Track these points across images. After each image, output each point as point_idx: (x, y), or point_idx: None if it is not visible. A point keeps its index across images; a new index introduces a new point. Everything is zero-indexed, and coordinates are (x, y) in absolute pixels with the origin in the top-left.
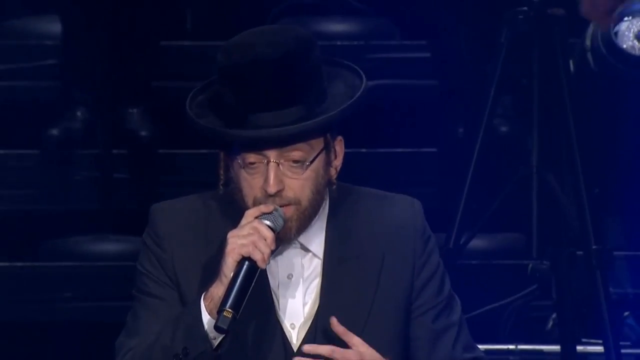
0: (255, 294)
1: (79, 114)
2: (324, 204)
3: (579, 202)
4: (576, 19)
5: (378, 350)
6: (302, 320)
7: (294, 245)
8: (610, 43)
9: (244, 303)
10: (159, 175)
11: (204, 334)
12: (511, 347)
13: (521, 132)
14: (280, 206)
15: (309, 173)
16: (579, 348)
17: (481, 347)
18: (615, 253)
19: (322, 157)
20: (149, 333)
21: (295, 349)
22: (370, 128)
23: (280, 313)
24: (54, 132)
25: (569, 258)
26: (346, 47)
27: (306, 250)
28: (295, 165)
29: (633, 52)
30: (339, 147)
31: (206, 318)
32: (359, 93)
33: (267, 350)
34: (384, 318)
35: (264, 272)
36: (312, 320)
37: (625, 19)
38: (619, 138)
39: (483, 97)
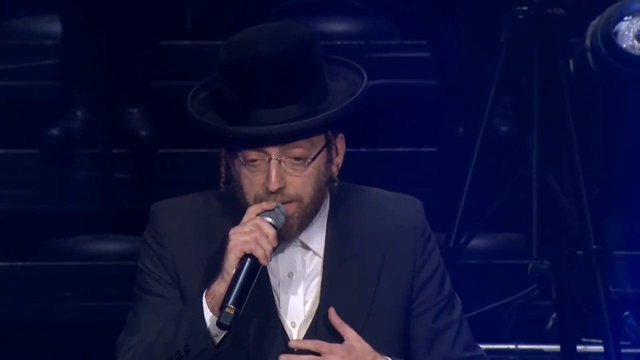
0: (256, 293)
1: (79, 113)
2: (324, 202)
3: (579, 202)
4: (576, 19)
5: (378, 348)
6: (302, 318)
7: (294, 243)
8: (610, 43)
9: (246, 300)
10: (159, 175)
11: (206, 331)
12: (511, 346)
13: (521, 132)
14: (282, 203)
15: (310, 170)
16: (579, 348)
17: (481, 346)
18: (615, 253)
19: (323, 154)
20: (150, 331)
21: (295, 349)
22: (370, 128)
23: (281, 311)
24: (54, 131)
25: (569, 258)
26: (346, 46)
27: (307, 248)
28: (296, 162)
29: (633, 52)
30: (340, 144)
31: (208, 315)
32: (360, 90)
33: (268, 349)
34: (384, 317)
35: (264, 271)
36: (313, 319)
37: (625, 18)
38: (619, 138)
39: (483, 97)
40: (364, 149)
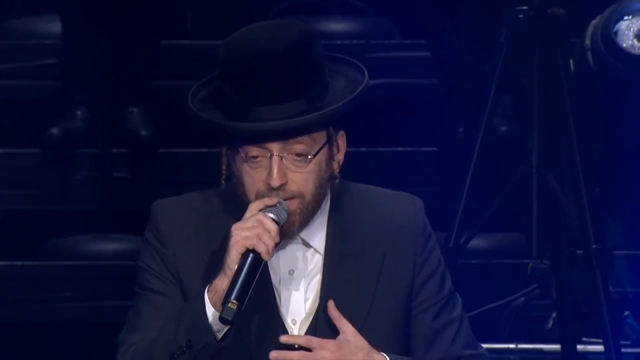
0: (258, 290)
1: (79, 113)
2: (325, 200)
3: (579, 202)
4: (576, 19)
5: (377, 346)
6: (303, 315)
7: (295, 241)
8: (610, 42)
9: (249, 295)
10: (159, 175)
11: (208, 327)
12: (511, 346)
13: (521, 132)
14: (284, 200)
15: (312, 166)
16: (579, 347)
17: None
18: (615, 252)
19: (324, 150)
20: (152, 328)
21: (296, 345)
22: (370, 127)
23: (282, 309)
24: (54, 131)
25: (569, 257)
26: (346, 46)
27: (307, 246)
28: (298, 158)
29: (633, 52)
30: (341, 141)
31: (210, 311)
32: (360, 87)
33: (269, 346)
34: (384, 315)
35: (266, 268)
36: (314, 316)
37: (625, 18)
38: (619, 138)
39: (483, 97)
40: (364, 149)
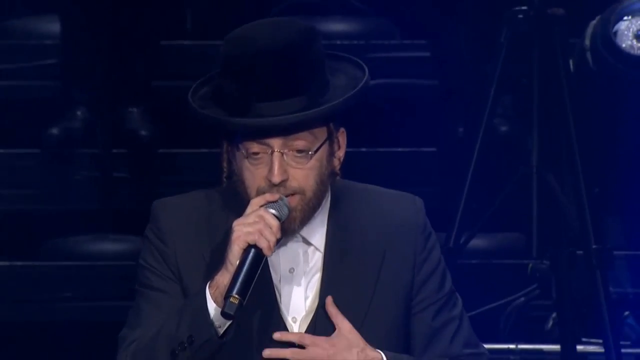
0: (258, 288)
1: (79, 113)
2: (326, 197)
3: (579, 202)
4: (576, 19)
5: (376, 344)
6: (303, 313)
7: (295, 239)
8: (609, 42)
9: (250, 290)
10: (159, 175)
11: (210, 322)
12: (511, 346)
13: (521, 132)
14: (285, 196)
15: (313, 163)
16: (579, 347)
17: None
18: (615, 253)
19: (325, 147)
20: (152, 325)
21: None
22: (370, 127)
23: (283, 307)
24: (54, 131)
25: (569, 258)
26: (346, 46)
27: (308, 243)
28: (299, 155)
29: (632, 52)
30: (342, 138)
31: (212, 306)
32: (361, 84)
33: (269, 344)
34: (383, 313)
35: (266, 266)
36: (314, 314)
37: (625, 18)
38: (619, 138)
39: (483, 97)
40: (364, 149)
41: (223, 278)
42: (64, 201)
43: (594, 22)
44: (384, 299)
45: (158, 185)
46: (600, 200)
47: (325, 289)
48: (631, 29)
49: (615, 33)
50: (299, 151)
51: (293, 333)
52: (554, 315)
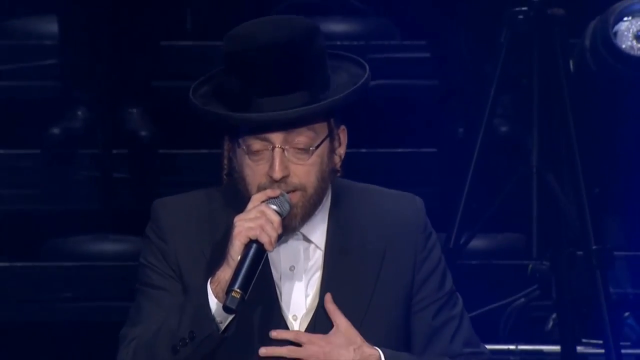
0: (259, 286)
1: (79, 114)
2: (327, 195)
3: (579, 202)
4: (576, 20)
5: (376, 342)
6: (304, 311)
7: (296, 237)
8: (609, 43)
9: (252, 285)
10: (159, 175)
11: (211, 317)
12: (511, 347)
13: (521, 132)
14: (286, 192)
15: (314, 159)
16: (579, 348)
17: None
18: (616, 253)
19: (326, 143)
20: (153, 322)
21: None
22: (370, 128)
23: (283, 305)
24: (54, 132)
25: (569, 258)
26: (346, 47)
27: (308, 241)
28: (300, 151)
29: (632, 53)
30: (343, 135)
31: (213, 301)
32: (362, 80)
33: (270, 342)
34: (383, 312)
35: (267, 264)
36: (314, 312)
37: (625, 19)
38: (619, 138)
39: (483, 97)
40: (364, 150)
41: (224, 273)
42: (64, 201)
43: (593, 22)
44: (383, 297)
45: (158, 186)
46: (600, 201)
47: (326, 287)
48: (631, 30)
49: (615, 34)
50: (300, 147)
51: (289, 331)
52: (554, 315)
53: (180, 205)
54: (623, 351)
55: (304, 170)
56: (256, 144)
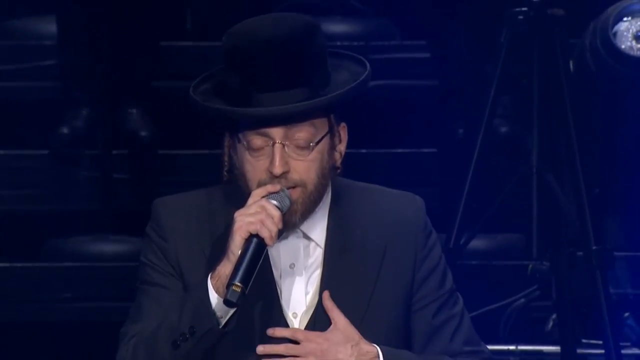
0: (259, 283)
1: (79, 114)
2: (327, 193)
3: (579, 202)
4: (576, 20)
5: (375, 340)
6: (304, 309)
7: (296, 234)
8: (609, 43)
9: (252, 280)
10: (159, 176)
11: (212, 312)
12: (511, 347)
13: (521, 132)
14: (286, 188)
15: (314, 154)
16: (579, 349)
17: None
18: (616, 253)
19: (326, 140)
20: (153, 320)
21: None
22: (370, 128)
23: (283, 302)
24: (54, 132)
25: (569, 258)
26: (346, 47)
27: (308, 239)
28: (300, 146)
29: (631, 53)
30: (343, 132)
31: (214, 296)
32: (362, 77)
33: (270, 340)
34: (383, 310)
35: (267, 262)
36: (314, 310)
37: (625, 19)
38: (619, 138)
39: (483, 97)
40: (364, 150)
41: (225, 268)
42: (64, 202)
43: (593, 22)
44: (383, 296)
45: (158, 186)
46: (600, 201)
47: (326, 285)
48: (631, 30)
49: (615, 34)
50: (300, 144)
51: (287, 329)
52: (554, 316)
53: (180, 205)
54: (623, 352)
55: (304, 167)
56: (256, 140)
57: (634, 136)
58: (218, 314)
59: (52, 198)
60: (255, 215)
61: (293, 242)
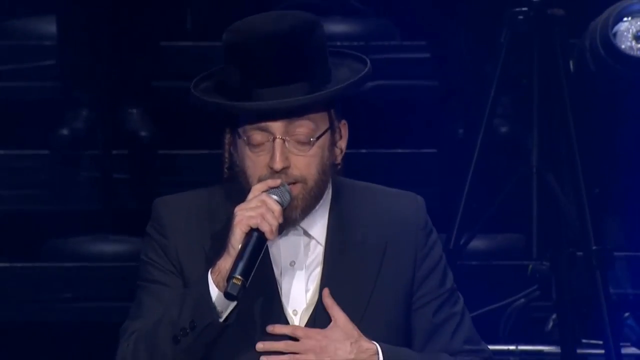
0: (259, 280)
1: (79, 114)
2: (327, 191)
3: (579, 202)
4: (576, 20)
5: (375, 338)
6: (304, 306)
7: (296, 232)
8: (608, 44)
9: (252, 274)
10: (159, 176)
11: (212, 306)
12: (511, 347)
13: (521, 132)
14: (287, 184)
15: (315, 150)
16: (579, 349)
17: None
18: (616, 253)
19: (327, 136)
20: (153, 316)
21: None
22: (370, 128)
23: (283, 299)
24: (54, 132)
25: (569, 258)
26: (346, 47)
27: (309, 236)
28: (301, 142)
29: (631, 53)
30: (344, 129)
31: (214, 291)
32: (362, 73)
33: (269, 337)
34: (383, 308)
35: (267, 259)
36: (314, 307)
37: (625, 19)
38: (619, 138)
39: (483, 97)
40: (364, 150)
41: (225, 262)
42: (64, 202)
43: (593, 22)
44: (384, 294)
45: (158, 186)
46: (600, 201)
47: (326, 282)
48: (630, 30)
49: (615, 34)
50: (301, 139)
51: (286, 326)
52: (554, 316)
53: (181, 203)
54: (623, 352)
55: (305, 162)
56: (257, 136)
57: (634, 136)
58: (218, 308)
59: (52, 198)
60: (256, 210)
61: (293, 240)
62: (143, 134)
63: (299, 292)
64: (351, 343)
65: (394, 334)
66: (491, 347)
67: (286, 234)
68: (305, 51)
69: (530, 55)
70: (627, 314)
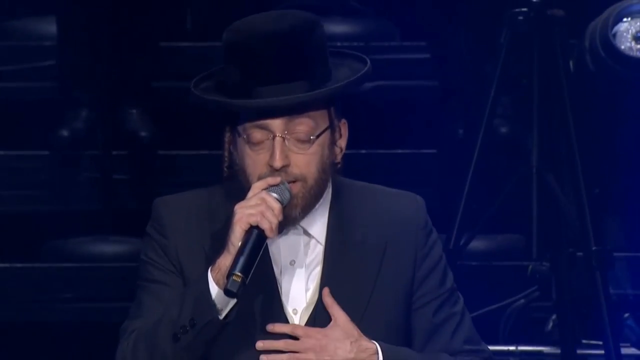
0: (259, 279)
1: (78, 115)
2: (327, 190)
3: (579, 202)
4: (576, 20)
5: (375, 338)
6: (304, 305)
7: (296, 231)
8: (608, 44)
9: (252, 271)
10: (159, 176)
11: (212, 303)
12: (511, 348)
13: (521, 132)
14: (287, 182)
15: (315, 148)
16: (579, 349)
17: None
18: (616, 254)
19: (327, 134)
20: (153, 316)
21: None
22: (370, 129)
23: (283, 298)
24: (54, 133)
25: (569, 259)
26: (346, 47)
27: (309, 235)
28: (300, 140)
29: (631, 54)
30: (344, 128)
31: (214, 288)
32: (362, 71)
33: (270, 336)
34: (383, 308)
35: (267, 258)
36: (314, 306)
37: (625, 19)
38: (619, 139)
39: (483, 97)
40: (364, 151)
41: (225, 260)
42: (64, 202)
43: (593, 23)
44: (383, 294)
45: (158, 187)
46: (600, 201)
47: (326, 281)
48: (630, 31)
49: (615, 35)
50: (301, 137)
51: (286, 325)
52: (554, 316)
53: (181, 203)
54: (623, 352)
55: (305, 160)
56: (256, 134)
57: (634, 136)
58: (218, 306)
59: (52, 199)
60: (256, 207)
61: (293, 239)
62: (143, 134)
63: (299, 291)
64: (351, 342)
65: (394, 333)
66: (491, 347)
67: (286, 233)
68: (305, 50)
69: (530, 55)
70: (627, 315)
